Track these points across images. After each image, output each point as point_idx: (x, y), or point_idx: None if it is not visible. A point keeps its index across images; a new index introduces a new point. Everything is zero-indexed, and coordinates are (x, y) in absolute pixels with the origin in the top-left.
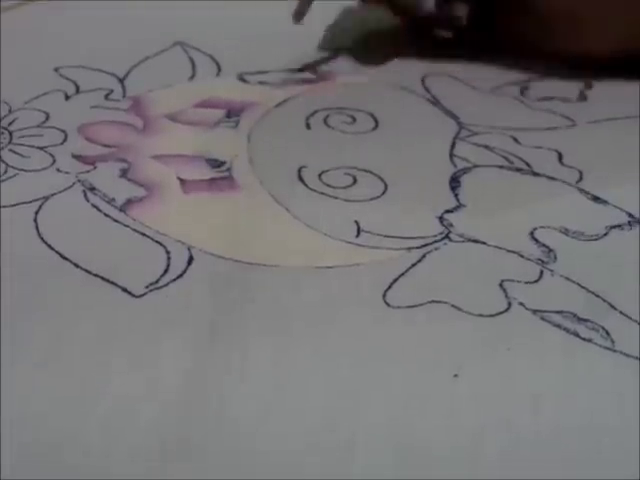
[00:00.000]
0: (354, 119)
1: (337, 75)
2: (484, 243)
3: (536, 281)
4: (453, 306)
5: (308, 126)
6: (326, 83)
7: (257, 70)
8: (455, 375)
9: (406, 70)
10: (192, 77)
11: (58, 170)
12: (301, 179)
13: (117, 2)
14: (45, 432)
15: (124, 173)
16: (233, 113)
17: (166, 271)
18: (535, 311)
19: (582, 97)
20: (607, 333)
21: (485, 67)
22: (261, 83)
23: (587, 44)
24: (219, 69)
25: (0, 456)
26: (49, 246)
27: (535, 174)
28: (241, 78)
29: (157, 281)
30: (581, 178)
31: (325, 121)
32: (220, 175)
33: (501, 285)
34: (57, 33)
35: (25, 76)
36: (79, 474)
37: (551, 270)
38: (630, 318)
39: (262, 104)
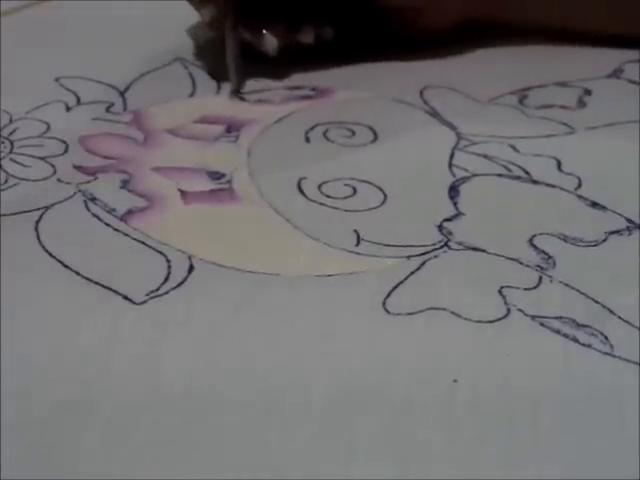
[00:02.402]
0: (353, 132)
1: (336, 91)
2: (483, 250)
3: (535, 287)
4: (452, 312)
5: (307, 140)
6: (325, 99)
7: (256, 89)
8: (454, 380)
9: (404, 83)
10: (192, 94)
11: (59, 180)
12: (301, 190)
13: (119, 14)
14: (46, 438)
15: (125, 184)
16: (233, 129)
17: (167, 279)
18: (534, 317)
19: (581, 104)
20: (606, 338)
21: (484, 77)
22: (260, 101)
23: (426, 20)
24: (219, 86)
25: (0, 458)
26: (50, 254)
27: (534, 182)
28: (241, 96)
29: (158, 289)
30: (580, 184)
31: (324, 135)
32: (220, 187)
33: (500, 291)
34: (58, 42)
35: (26, 85)
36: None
37: (550, 276)
38: (629, 323)
39: (261, 121)
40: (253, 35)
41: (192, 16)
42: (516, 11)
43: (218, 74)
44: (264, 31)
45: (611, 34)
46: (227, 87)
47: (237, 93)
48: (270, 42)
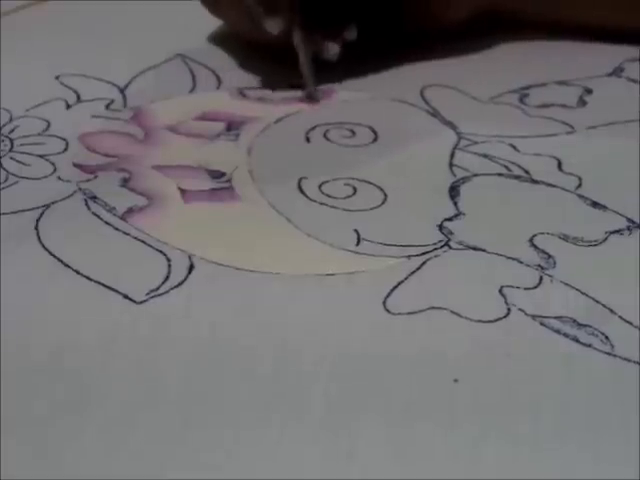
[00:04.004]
0: (353, 133)
1: (337, 92)
2: (484, 250)
3: (535, 287)
4: (453, 312)
5: (308, 140)
6: (325, 99)
7: (257, 86)
8: (455, 380)
9: (405, 83)
10: (192, 90)
11: (59, 178)
12: (301, 190)
13: (118, 11)
14: (46, 438)
15: (125, 183)
16: (233, 127)
17: (167, 278)
18: (534, 317)
19: (581, 103)
20: (607, 338)
21: (484, 76)
22: (261, 99)
23: (435, 16)
24: (219, 83)
25: (0, 458)
26: (50, 253)
27: (534, 181)
28: (241, 93)
29: (158, 288)
30: (580, 184)
31: (325, 135)
32: (220, 186)
33: (501, 291)
34: (58, 40)
35: (26, 83)
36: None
37: (550, 276)
38: (630, 323)
39: (262, 119)
40: (314, 43)
41: (192, 14)
42: (522, 3)
43: (280, 84)
44: (328, 40)
45: (613, 28)
46: (228, 83)
47: (315, 101)
48: (333, 49)
